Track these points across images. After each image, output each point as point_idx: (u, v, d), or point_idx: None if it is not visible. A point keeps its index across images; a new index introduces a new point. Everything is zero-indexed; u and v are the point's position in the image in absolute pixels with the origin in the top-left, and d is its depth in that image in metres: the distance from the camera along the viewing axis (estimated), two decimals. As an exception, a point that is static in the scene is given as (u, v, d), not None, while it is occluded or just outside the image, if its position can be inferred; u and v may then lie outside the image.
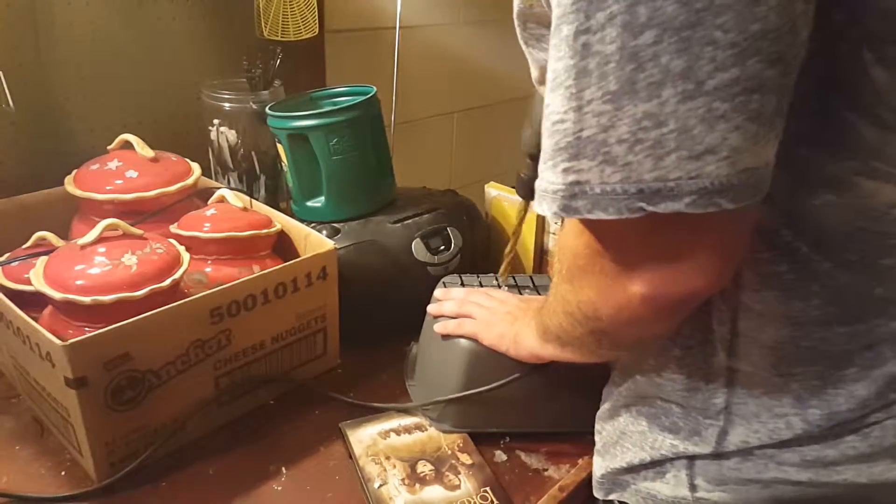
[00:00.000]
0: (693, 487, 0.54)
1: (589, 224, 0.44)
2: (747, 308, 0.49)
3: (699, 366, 0.53)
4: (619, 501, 0.61)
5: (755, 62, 0.35)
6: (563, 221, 0.51)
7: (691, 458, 0.54)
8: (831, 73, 0.41)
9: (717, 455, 0.53)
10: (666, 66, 0.36)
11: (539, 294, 0.79)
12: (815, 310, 0.47)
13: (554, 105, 0.40)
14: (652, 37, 0.35)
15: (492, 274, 0.84)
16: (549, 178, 0.42)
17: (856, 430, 0.49)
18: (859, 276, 0.46)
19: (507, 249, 0.82)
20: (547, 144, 0.42)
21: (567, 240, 0.48)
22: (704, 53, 0.35)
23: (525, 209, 0.80)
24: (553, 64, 0.40)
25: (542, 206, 0.43)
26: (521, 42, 0.55)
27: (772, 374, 0.50)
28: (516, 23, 0.54)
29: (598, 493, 0.63)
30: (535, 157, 0.74)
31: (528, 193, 0.77)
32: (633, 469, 0.58)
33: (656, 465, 0.57)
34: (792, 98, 0.38)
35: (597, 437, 0.64)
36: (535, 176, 0.74)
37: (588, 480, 0.68)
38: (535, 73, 0.58)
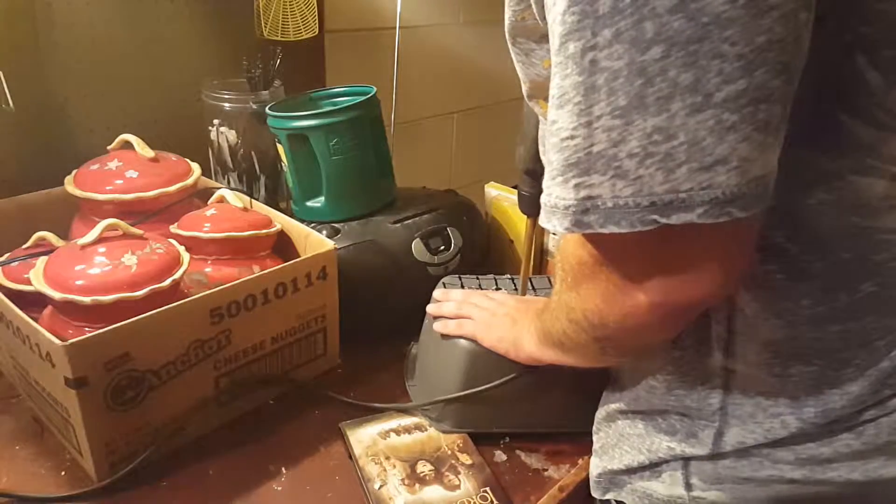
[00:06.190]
0: (689, 486, 0.55)
1: (597, 236, 0.44)
2: (741, 308, 0.49)
3: (694, 367, 0.53)
4: (615, 501, 0.61)
5: (762, 73, 0.36)
6: None
7: (687, 459, 0.55)
8: (825, 77, 0.42)
9: (713, 456, 0.53)
10: (674, 79, 0.36)
11: (537, 295, 0.79)
12: (807, 309, 0.48)
13: (562, 121, 0.40)
14: (660, 52, 0.36)
15: (491, 275, 0.84)
16: (559, 193, 0.42)
17: (850, 428, 0.49)
18: (851, 273, 0.47)
19: (522, 272, 0.81)
20: (555, 160, 0.42)
21: (569, 248, 0.48)
22: (712, 66, 0.35)
23: (534, 226, 0.79)
24: (559, 81, 0.40)
25: (552, 221, 0.43)
26: (513, 58, 0.55)
27: (767, 374, 0.50)
28: (508, 39, 0.54)
29: (595, 493, 0.63)
30: (530, 173, 0.73)
31: (531, 209, 0.76)
32: (630, 470, 0.59)
33: (653, 467, 0.57)
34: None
35: (594, 438, 0.65)
36: (535, 192, 0.73)
37: (588, 480, 0.68)
38: (525, 88, 0.58)
